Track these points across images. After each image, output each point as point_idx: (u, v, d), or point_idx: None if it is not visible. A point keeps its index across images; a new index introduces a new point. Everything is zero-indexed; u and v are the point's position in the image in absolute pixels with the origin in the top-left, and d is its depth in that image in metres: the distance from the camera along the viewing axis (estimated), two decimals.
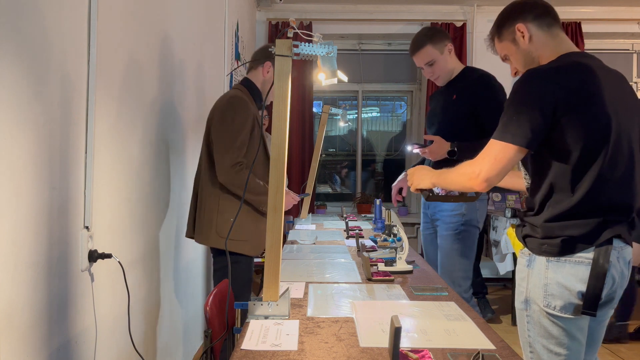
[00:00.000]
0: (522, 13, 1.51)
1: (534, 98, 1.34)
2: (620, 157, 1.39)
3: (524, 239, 1.47)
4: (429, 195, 1.72)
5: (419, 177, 1.67)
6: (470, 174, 1.40)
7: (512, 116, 1.36)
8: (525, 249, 1.47)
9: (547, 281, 1.38)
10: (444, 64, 2.49)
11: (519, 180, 1.66)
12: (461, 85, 2.48)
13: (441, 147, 2.41)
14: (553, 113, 1.33)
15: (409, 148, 2.66)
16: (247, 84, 2.38)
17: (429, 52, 2.48)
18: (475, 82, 2.45)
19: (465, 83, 2.48)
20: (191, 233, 2.34)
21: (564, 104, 1.33)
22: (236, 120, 2.18)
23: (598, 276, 1.33)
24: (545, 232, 1.40)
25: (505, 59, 1.59)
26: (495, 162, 1.36)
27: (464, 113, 2.41)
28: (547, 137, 1.37)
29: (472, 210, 2.46)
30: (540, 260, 1.40)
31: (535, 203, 1.43)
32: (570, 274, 1.36)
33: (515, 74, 1.56)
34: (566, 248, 1.36)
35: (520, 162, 1.48)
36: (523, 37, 1.50)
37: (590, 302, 1.34)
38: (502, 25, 1.55)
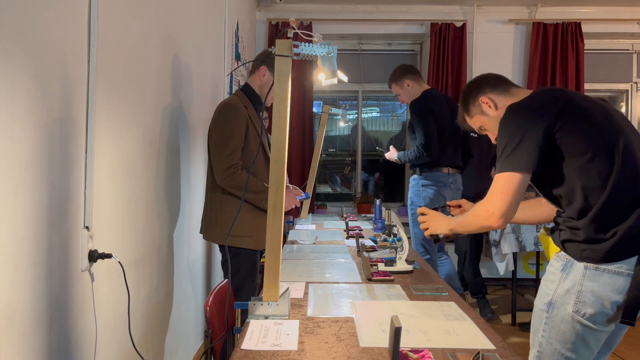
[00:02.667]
0: (480, 88, 1.66)
1: (521, 124, 1.43)
2: (636, 145, 1.43)
3: (562, 243, 1.46)
4: (439, 239, 1.82)
5: (435, 224, 1.77)
6: (484, 214, 1.47)
7: (505, 148, 1.44)
8: (562, 252, 1.47)
9: (581, 288, 1.39)
10: (406, 95, 3.54)
11: (538, 212, 1.71)
12: (412, 107, 3.53)
13: (392, 153, 3.69)
14: (545, 130, 1.41)
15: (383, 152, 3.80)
16: (245, 89, 2.49)
17: (394, 88, 3.58)
18: (418, 102, 3.47)
19: (413, 104, 3.51)
20: (202, 230, 2.51)
21: (550, 116, 1.41)
22: (227, 126, 2.29)
23: (639, 286, 1.34)
24: (588, 233, 1.39)
25: (481, 130, 1.71)
26: (503, 195, 1.42)
27: (411, 127, 3.53)
28: (554, 151, 1.42)
29: (417, 195, 3.50)
30: (579, 266, 1.40)
31: (574, 212, 1.43)
32: (608, 284, 1.36)
33: (496, 139, 1.65)
34: (610, 255, 1.36)
35: (539, 192, 1.55)
36: (490, 106, 1.63)
37: (629, 311, 1.35)
38: (467, 104, 1.70)
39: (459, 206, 1.93)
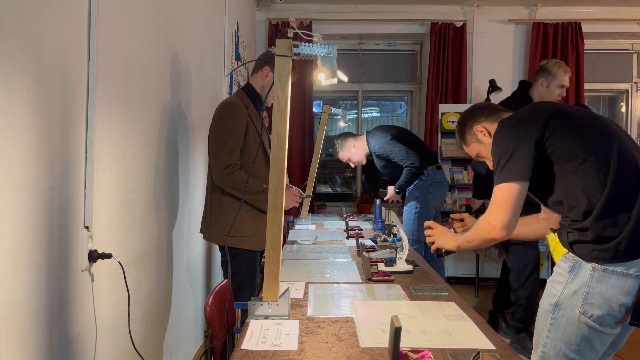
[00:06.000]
0: (475, 117, 1.72)
1: (512, 137, 1.48)
2: (632, 147, 1.46)
3: (570, 245, 1.47)
4: (442, 255, 1.87)
5: (443, 240, 1.82)
6: (487, 227, 1.51)
7: (499, 160, 1.49)
8: (570, 254, 1.47)
9: (589, 290, 1.39)
10: (355, 155, 3.77)
11: (537, 228, 1.74)
12: (373, 150, 3.72)
13: (391, 190, 3.72)
14: (537, 140, 1.45)
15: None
16: (247, 88, 2.48)
17: (343, 156, 3.79)
18: (374, 144, 3.67)
19: (372, 148, 3.71)
20: (202, 230, 2.50)
21: (539, 125, 1.46)
22: (226, 126, 2.28)
23: None
24: (597, 231, 1.39)
25: (478, 157, 1.77)
26: (503, 206, 1.46)
27: (385, 162, 3.67)
28: (549, 160, 1.45)
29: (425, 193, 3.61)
30: (587, 268, 1.41)
31: (579, 214, 1.44)
32: (616, 286, 1.37)
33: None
34: (619, 254, 1.36)
35: (540, 202, 1.58)
36: (484, 135, 1.69)
37: (638, 313, 1.36)
38: (463, 133, 1.76)
39: (462, 220, 1.96)
